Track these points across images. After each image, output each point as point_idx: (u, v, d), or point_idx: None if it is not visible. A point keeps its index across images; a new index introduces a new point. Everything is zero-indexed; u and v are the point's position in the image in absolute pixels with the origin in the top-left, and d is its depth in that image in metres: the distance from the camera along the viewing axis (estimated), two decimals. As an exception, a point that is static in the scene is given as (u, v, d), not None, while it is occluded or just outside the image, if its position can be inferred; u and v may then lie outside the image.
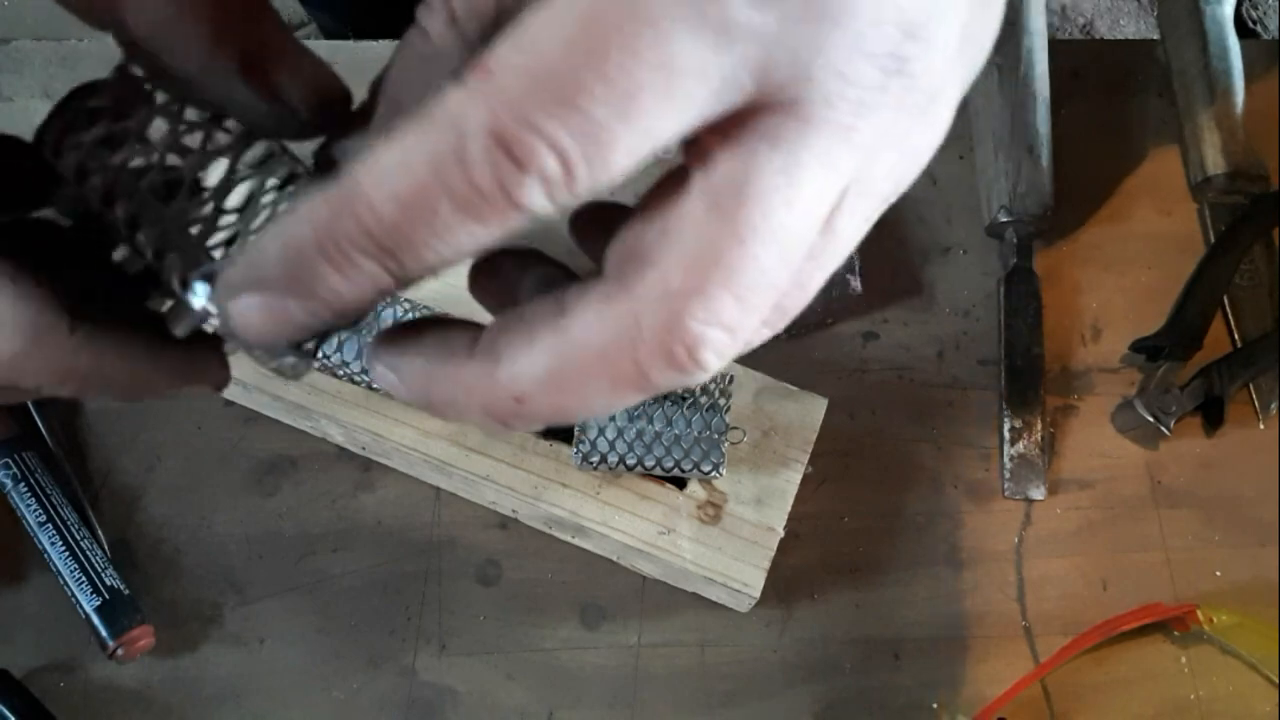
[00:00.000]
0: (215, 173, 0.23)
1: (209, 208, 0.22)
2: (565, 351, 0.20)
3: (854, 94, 0.19)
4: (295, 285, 0.20)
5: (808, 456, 0.50)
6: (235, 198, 0.23)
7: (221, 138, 0.23)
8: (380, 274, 0.19)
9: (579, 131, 0.17)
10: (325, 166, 0.24)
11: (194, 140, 0.23)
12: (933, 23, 0.19)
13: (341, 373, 0.49)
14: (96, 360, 0.23)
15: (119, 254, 0.23)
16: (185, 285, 0.22)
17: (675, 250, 0.19)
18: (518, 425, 0.21)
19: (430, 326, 0.23)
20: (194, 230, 0.22)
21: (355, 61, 0.62)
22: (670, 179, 0.20)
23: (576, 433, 0.48)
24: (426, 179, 0.18)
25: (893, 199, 0.21)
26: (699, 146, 0.20)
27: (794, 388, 0.51)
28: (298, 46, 0.23)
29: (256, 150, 0.23)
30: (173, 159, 0.23)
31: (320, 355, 0.49)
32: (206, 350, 0.25)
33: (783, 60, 0.18)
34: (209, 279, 0.22)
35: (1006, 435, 0.56)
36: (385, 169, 0.18)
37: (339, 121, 0.24)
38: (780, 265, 0.20)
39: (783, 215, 0.19)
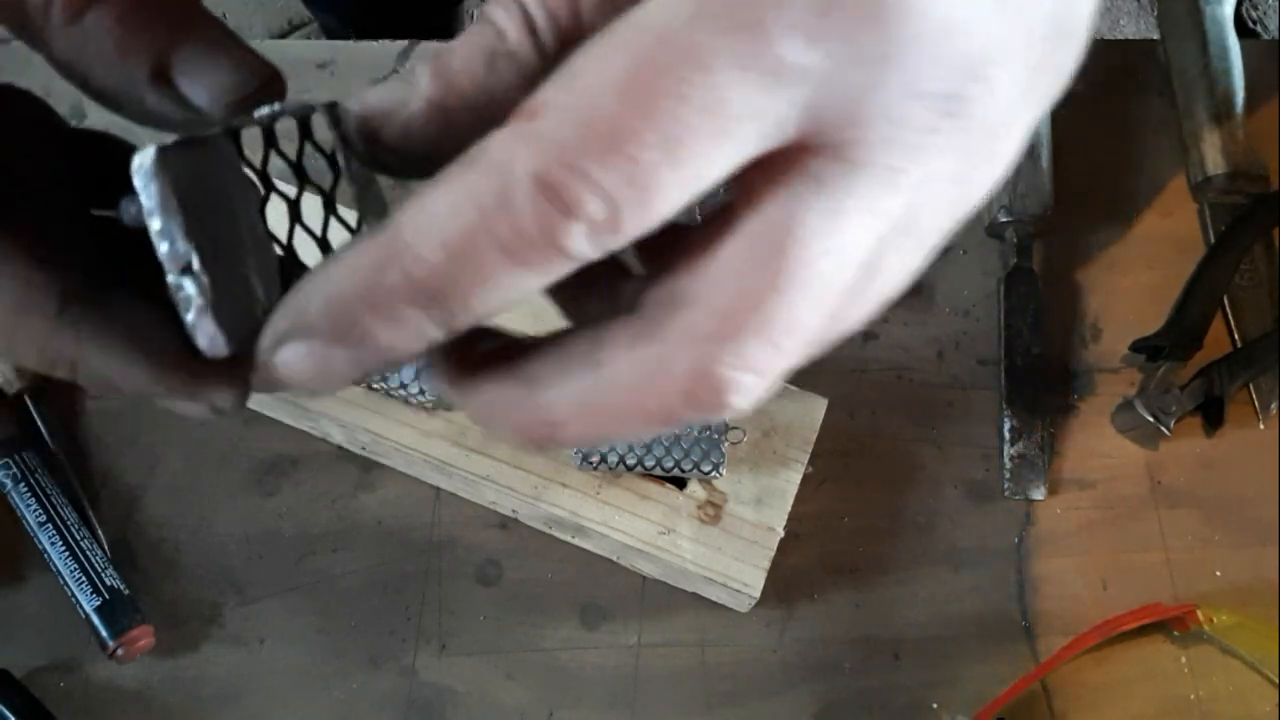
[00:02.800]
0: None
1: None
2: (597, 387, 0.21)
3: (905, 137, 0.19)
4: (341, 336, 0.20)
5: (808, 456, 0.50)
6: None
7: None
8: (427, 324, 0.19)
9: (626, 178, 0.17)
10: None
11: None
12: (997, 61, 0.19)
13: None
14: (78, 349, 0.22)
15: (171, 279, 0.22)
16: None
17: (710, 294, 0.19)
18: (549, 447, 0.21)
19: (478, 338, 0.23)
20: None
21: (356, 61, 0.62)
22: (715, 217, 0.20)
23: (576, 433, 0.48)
24: (471, 226, 0.18)
25: (947, 232, 0.21)
26: (744, 183, 0.19)
27: (794, 388, 0.51)
28: (214, 43, 0.22)
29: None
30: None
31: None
32: (219, 370, 0.23)
33: (832, 101, 0.18)
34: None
35: (1006, 435, 0.56)
36: (430, 216, 0.18)
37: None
38: (815, 311, 0.20)
39: (822, 263, 0.19)
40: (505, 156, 0.18)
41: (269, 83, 0.22)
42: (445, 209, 0.18)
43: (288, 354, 0.20)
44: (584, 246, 0.18)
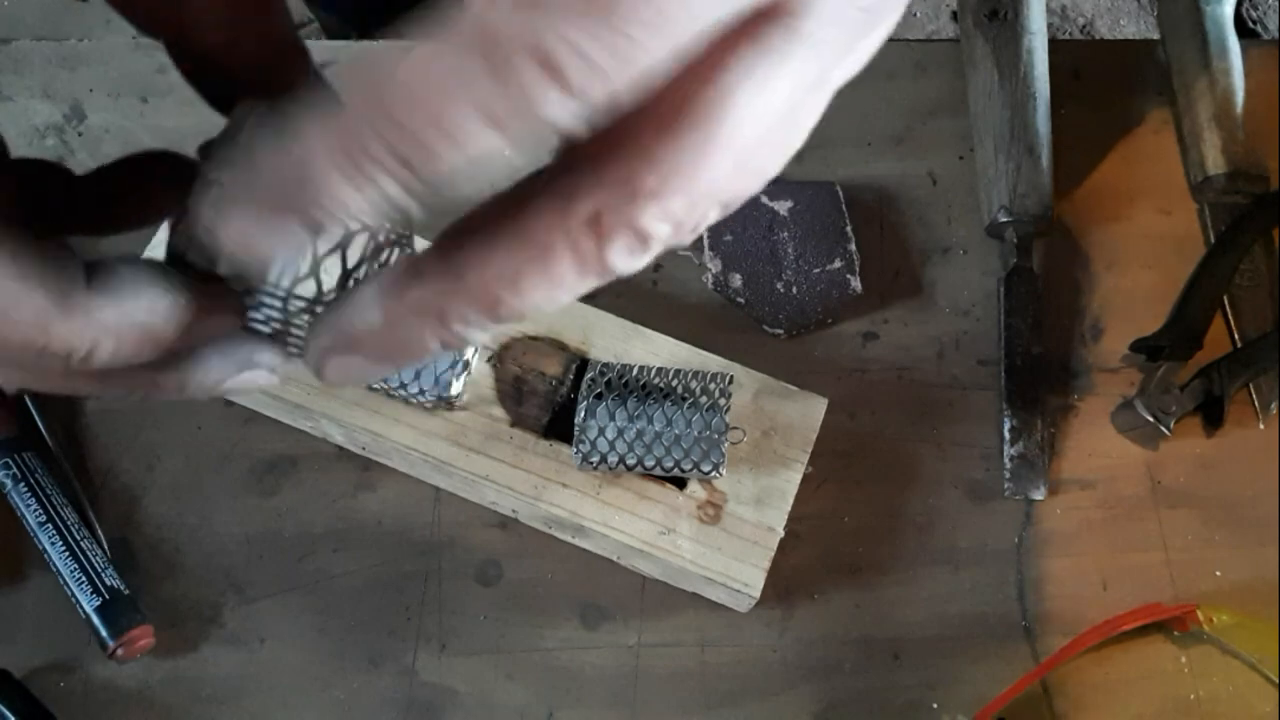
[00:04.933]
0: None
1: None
2: (530, 258, 0.21)
3: (848, 12, 0.20)
4: (295, 197, 0.19)
5: (808, 456, 0.50)
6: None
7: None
8: (391, 185, 0.18)
9: (614, 48, 0.17)
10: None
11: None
12: None
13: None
14: None
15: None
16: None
17: (641, 152, 0.20)
18: (488, 327, 0.21)
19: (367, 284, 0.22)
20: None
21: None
22: None
23: (576, 433, 0.48)
24: (454, 90, 0.17)
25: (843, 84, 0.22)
26: None
27: (794, 388, 0.51)
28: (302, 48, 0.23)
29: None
30: None
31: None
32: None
33: None
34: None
35: (1006, 435, 0.56)
36: (409, 80, 0.17)
37: None
38: (734, 172, 0.20)
39: (748, 128, 0.20)
40: (493, 23, 0.17)
41: None
42: (426, 70, 0.17)
43: (235, 219, 0.20)
44: (559, 113, 0.17)
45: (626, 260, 0.21)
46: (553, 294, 0.21)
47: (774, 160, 0.21)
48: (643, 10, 0.17)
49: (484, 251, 0.21)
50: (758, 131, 0.20)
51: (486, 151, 0.18)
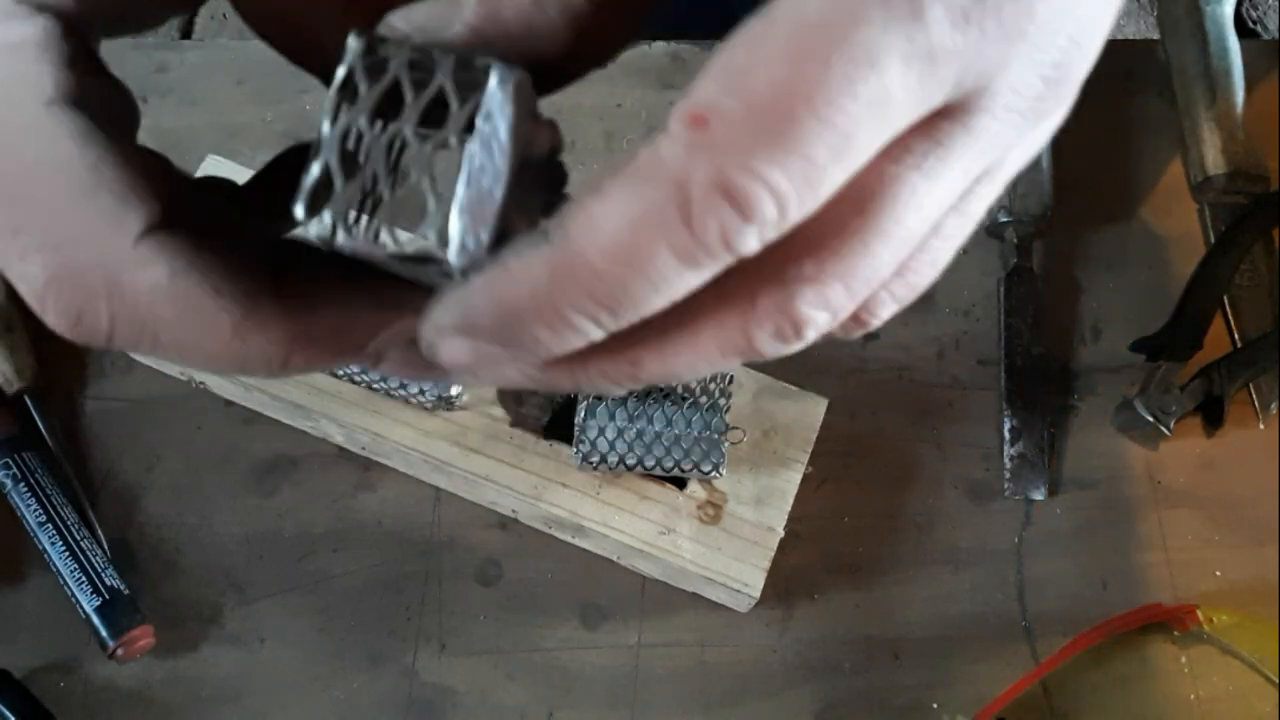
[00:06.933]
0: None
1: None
2: (680, 330, 0.21)
3: (1019, 104, 0.20)
4: (507, 340, 0.20)
5: (808, 456, 0.50)
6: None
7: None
8: (591, 328, 0.19)
9: (801, 177, 0.17)
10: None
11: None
12: (1096, 26, 0.20)
13: (341, 373, 0.49)
14: (156, 278, 0.20)
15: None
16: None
17: (800, 239, 0.19)
18: (624, 385, 0.21)
19: None
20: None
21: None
22: None
23: (576, 433, 0.48)
24: (650, 237, 0.18)
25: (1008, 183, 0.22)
26: None
27: (794, 388, 0.51)
28: None
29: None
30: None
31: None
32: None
33: (970, 75, 0.19)
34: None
35: (1006, 435, 0.56)
36: (606, 230, 0.18)
37: None
38: (894, 260, 0.20)
39: (912, 219, 0.20)
40: (681, 168, 0.18)
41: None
42: (622, 221, 0.18)
43: (451, 346, 0.21)
44: (753, 243, 0.18)
45: (775, 346, 0.21)
46: (695, 366, 0.21)
47: (946, 249, 0.22)
48: (825, 136, 0.17)
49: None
50: (924, 222, 0.20)
51: (679, 286, 0.19)
